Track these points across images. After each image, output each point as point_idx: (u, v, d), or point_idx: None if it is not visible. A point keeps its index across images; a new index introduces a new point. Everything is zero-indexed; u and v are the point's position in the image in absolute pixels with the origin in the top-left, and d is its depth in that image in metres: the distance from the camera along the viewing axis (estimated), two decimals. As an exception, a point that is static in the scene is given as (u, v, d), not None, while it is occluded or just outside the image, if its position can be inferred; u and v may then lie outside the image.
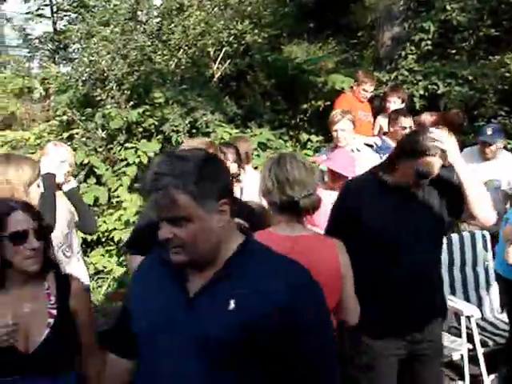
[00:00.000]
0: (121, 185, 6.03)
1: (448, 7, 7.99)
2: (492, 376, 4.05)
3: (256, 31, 8.78)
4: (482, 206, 2.85)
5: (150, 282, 1.78)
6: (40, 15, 11.78)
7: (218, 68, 8.41)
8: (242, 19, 8.45)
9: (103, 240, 5.84)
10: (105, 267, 5.63)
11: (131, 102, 6.96)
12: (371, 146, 6.10)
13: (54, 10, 11.85)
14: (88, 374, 2.36)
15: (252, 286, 1.63)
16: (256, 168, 4.84)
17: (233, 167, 3.93)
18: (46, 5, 11.79)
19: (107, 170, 6.37)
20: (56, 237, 3.78)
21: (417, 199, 2.86)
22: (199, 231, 1.62)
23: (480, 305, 4.53)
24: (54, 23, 11.89)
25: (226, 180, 1.69)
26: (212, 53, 8.44)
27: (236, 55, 8.75)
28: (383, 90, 6.76)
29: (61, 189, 3.97)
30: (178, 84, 7.52)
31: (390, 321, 2.82)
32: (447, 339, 4.01)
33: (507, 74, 7.32)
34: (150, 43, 7.88)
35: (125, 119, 6.63)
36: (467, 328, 4.09)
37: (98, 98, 7.09)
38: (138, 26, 7.86)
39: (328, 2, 9.92)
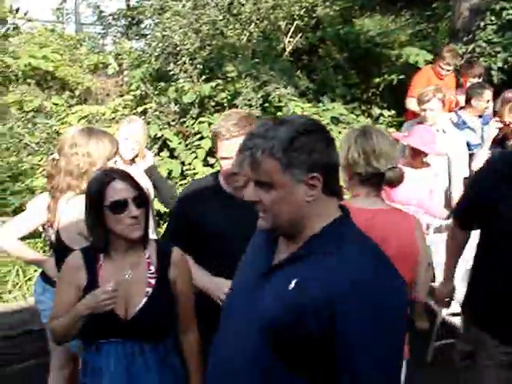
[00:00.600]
0: (196, 157, 6.08)
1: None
2: None
3: (327, 4, 8.67)
4: None
5: (256, 244, 1.80)
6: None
7: (289, 42, 8.35)
8: (313, -8, 8.34)
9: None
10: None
11: (203, 76, 6.99)
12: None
13: (127, -14, 12.04)
14: (185, 342, 2.43)
15: (317, 271, 1.57)
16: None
17: None
18: (120, -18, 12.00)
19: (180, 143, 6.44)
20: None
21: None
22: (282, 200, 1.59)
23: None
24: (127, 0, 12.07)
25: (322, 154, 1.59)
26: (283, 26, 8.38)
27: (307, 29, 8.66)
28: (459, 64, 6.53)
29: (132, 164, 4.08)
30: (250, 58, 7.49)
31: None
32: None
33: None
34: (221, 17, 7.87)
35: (197, 93, 6.66)
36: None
37: (171, 73, 7.14)
38: (210, 1, 7.84)
39: (401, -27, 9.69)
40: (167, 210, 5.58)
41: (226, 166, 2.51)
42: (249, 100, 6.52)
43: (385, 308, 1.50)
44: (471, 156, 5.09)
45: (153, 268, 2.31)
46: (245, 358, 1.63)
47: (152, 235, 4.15)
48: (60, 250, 2.80)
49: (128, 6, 11.95)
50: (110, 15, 11.77)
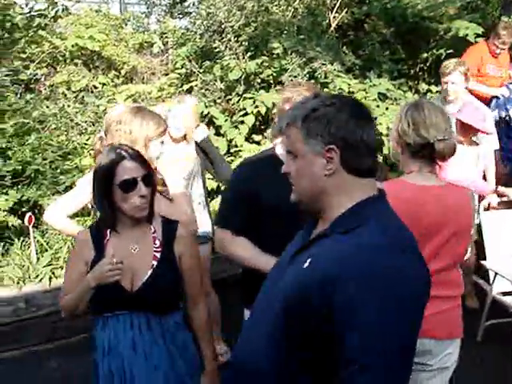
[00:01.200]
0: (239, 133, 6.08)
1: None
2: None
3: (373, -22, 8.50)
4: None
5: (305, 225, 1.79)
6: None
7: (334, 17, 8.23)
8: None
9: (222, 189, 5.95)
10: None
11: (249, 53, 6.97)
12: (497, 98, 5.86)
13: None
14: (194, 317, 2.53)
15: (329, 250, 1.54)
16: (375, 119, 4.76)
17: None
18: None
19: (226, 120, 6.45)
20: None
21: None
22: (302, 171, 1.62)
23: None
24: (171, -22, 12.04)
25: (342, 127, 1.57)
26: (328, 1, 8.26)
27: (353, 3, 8.52)
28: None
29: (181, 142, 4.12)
30: (295, 34, 7.42)
31: None
32: None
33: None
34: (266, -7, 7.81)
35: (243, 70, 6.64)
36: None
37: (216, 50, 7.14)
38: (254, -23, 7.78)
39: None
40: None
41: None
42: (295, 77, 6.47)
43: (390, 296, 1.42)
44: None
45: (158, 242, 2.39)
46: (261, 338, 1.63)
47: (204, 210, 4.20)
48: None
49: (172, -16, 11.94)
50: (154, -6, 11.78)
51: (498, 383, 3.93)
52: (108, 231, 2.40)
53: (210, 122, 6.51)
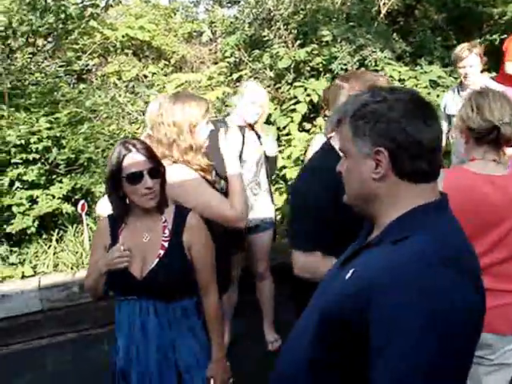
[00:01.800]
0: (291, 121, 6.06)
1: None
2: None
3: (424, -38, 8.36)
4: None
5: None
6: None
7: (384, 4, 8.10)
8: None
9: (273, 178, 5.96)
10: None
11: (298, 41, 6.93)
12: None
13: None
14: (205, 306, 2.58)
15: (372, 261, 1.44)
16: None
17: None
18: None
19: (275, 109, 6.44)
20: (244, 176, 3.98)
21: None
22: (351, 171, 1.53)
23: None
24: (219, -33, 12.08)
25: (392, 126, 1.42)
26: (378, -12, 8.15)
27: (403, -11, 8.40)
28: None
29: (253, 129, 4.14)
30: (345, 21, 7.34)
31: None
32: None
33: None
34: (315, -19, 7.76)
35: (292, 58, 6.61)
36: None
37: (265, 39, 7.12)
38: (303, -36, 7.73)
39: None
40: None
41: None
42: (345, 64, 6.41)
43: (422, 314, 1.27)
44: None
45: (167, 232, 2.46)
46: (299, 348, 1.58)
47: (269, 197, 4.25)
48: None
49: (220, -27, 11.98)
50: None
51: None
52: (124, 220, 2.52)
53: (260, 110, 6.50)
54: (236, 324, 4.29)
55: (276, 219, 4.50)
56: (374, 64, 6.58)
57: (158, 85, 7.44)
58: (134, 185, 2.36)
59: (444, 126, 4.76)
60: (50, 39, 5.89)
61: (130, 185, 2.37)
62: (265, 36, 7.12)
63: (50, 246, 5.22)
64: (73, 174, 5.53)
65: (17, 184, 5.22)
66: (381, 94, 1.46)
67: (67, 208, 5.26)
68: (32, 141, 5.21)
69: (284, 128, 6.14)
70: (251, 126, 4.15)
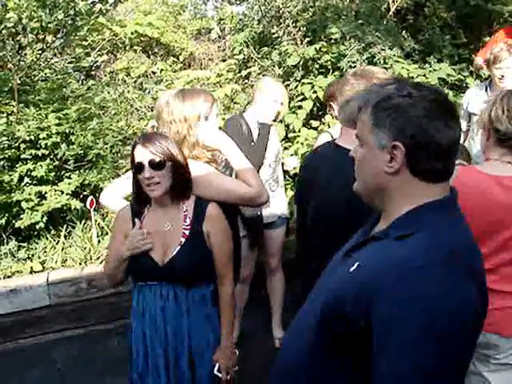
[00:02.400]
0: (297, 118, 6.06)
1: None
2: None
3: (434, -40, 8.31)
4: None
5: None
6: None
7: (393, 1, 8.08)
8: None
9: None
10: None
11: (307, 39, 6.92)
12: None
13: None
14: (220, 293, 2.68)
15: (375, 256, 1.44)
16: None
17: None
18: None
19: (289, 104, 6.43)
20: (263, 173, 4.01)
21: None
22: (365, 160, 1.52)
23: None
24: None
25: (413, 123, 1.41)
26: (387, -14, 8.12)
27: (413, -13, 8.36)
28: None
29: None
30: (354, 19, 7.32)
31: None
32: None
33: None
34: (324, -22, 7.74)
35: (301, 56, 6.59)
36: None
37: (274, 36, 7.11)
38: (312, -39, 7.71)
39: None
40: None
41: None
42: (353, 62, 6.38)
43: (424, 315, 1.27)
44: None
45: (188, 221, 2.58)
46: (298, 343, 1.60)
47: (283, 193, 4.28)
48: None
49: (229, -30, 11.96)
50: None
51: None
52: (146, 208, 2.63)
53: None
54: (243, 320, 4.30)
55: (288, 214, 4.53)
56: (382, 62, 6.55)
57: (166, 81, 7.44)
58: (138, 174, 2.51)
59: (463, 124, 4.64)
60: (59, 36, 5.90)
61: (136, 174, 2.53)
62: (274, 33, 7.11)
63: (58, 241, 5.24)
64: (81, 170, 5.55)
65: (26, 180, 5.24)
66: (406, 89, 1.46)
67: (76, 204, 5.28)
68: (41, 136, 5.23)
69: (291, 125, 6.13)
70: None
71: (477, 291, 1.35)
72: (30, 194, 5.14)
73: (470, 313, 1.32)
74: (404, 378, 1.27)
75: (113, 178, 5.53)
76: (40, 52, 6.16)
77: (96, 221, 5.32)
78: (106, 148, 5.63)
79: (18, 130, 5.19)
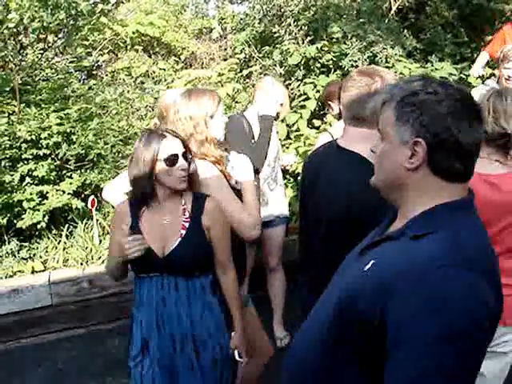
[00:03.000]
0: (300, 117, 6.05)
1: None
2: None
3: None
4: None
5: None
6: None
7: (395, 0, 8.08)
8: None
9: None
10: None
11: (308, 38, 6.91)
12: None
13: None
14: (223, 283, 2.76)
15: (391, 255, 1.44)
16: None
17: None
18: None
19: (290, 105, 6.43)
20: (263, 171, 4.00)
21: None
22: (384, 154, 1.52)
23: None
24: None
25: (437, 121, 1.41)
26: (389, -16, 8.12)
27: (414, -14, 8.36)
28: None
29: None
30: (355, 18, 7.32)
31: None
32: None
33: None
34: (325, -23, 7.73)
35: (302, 55, 6.59)
36: None
37: (276, 35, 7.11)
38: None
39: None
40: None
41: None
42: (355, 61, 6.39)
43: (438, 313, 1.28)
44: None
45: (187, 214, 2.63)
46: (310, 342, 1.60)
47: (283, 192, 4.29)
48: None
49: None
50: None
51: None
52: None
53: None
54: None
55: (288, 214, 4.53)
56: (384, 61, 6.55)
57: (166, 80, 7.44)
58: (171, 166, 2.51)
59: None
60: (60, 35, 5.91)
61: (167, 166, 2.51)
62: (275, 32, 7.11)
63: (59, 241, 5.24)
64: (82, 170, 5.54)
65: (27, 179, 5.24)
66: (432, 86, 1.45)
67: (77, 203, 5.27)
68: (42, 136, 5.22)
69: (293, 125, 6.13)
70: None
71: (492, 292, 1.35)
72: (31, 194, 5.14)
73: (487, 313, 1.32)
74: (422, 378, 1.27)
75: (113, 178, 5.53)
76: (41, 52, 6.16)
77: (97, 220, 5.32)
78: (107, 148, 5.62)
79: (19, 130, 5.19)
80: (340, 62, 6.51)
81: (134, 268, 2.67)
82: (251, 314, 3.06)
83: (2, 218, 5.11)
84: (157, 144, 2.50)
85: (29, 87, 6.16)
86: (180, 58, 8.49)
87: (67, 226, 5.39)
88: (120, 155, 5.88)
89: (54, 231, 5.35)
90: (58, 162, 5.43)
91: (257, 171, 3.98)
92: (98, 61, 8.10)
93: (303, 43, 6.84)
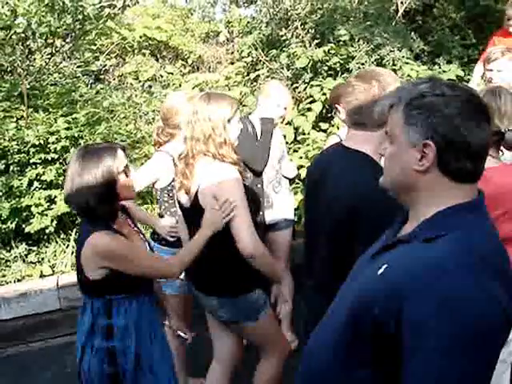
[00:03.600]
0: (306, 120, 6.05)
1: None
2: None
3: (443, -40, 8.29)
4: None
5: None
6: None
7: (402, 2, 8.05)
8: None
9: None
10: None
11: (315, 41, 6.91)
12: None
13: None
14: None
15: (403, 258, 1.44)
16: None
17: None
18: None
19: (292, 108, 6.42)
20: (267, 173, 4.00)
21: None
22: (394, 157, 1.52)
23: None
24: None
25: (446, 122, 1.41)
26: (396, -14, 8.10)
27: (421, -12, 8.33)
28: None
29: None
30: (362, 21, 7.31)
31: None
32: None
33: None
34: (332, -20, 7.73)
35: (309, 58, 6.58)
36: None
37: (283, 38, 7.11)
38: (320, -37, 7.70)
39: None
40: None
41: None
42: (362, 64, 6.38)
43: (455, 317, 1.28)
44: None
45: (130, 222, 2.74)
46: (324, 346, 1.60)
47: (290, 195, 4.33)
48: (194, 213, 2.91)
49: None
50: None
51: None
52: (105, 224, 2.54)
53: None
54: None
55: (295, 217, 4.52)
56: (391, 63, 6.54)
57: (173, 84, 7.46)
58: (128, 177, 2.53)
59: None
60: (68, 40, 5.92)
61: (126, 177, 2.51)
62: (282, 35, 7.12)
63: (68, 245, 5.25)
64: (91, 174, 5.55)
65: (35, 184, 5.25)
66: (440, 88, 1.46)
67: (85, 208, 5.27)
68: (50, 141, 5.24)
69: (300, 128, 6.12)
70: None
71: (505, 293, 1.35)
72: (39, 199, 5.15)
73: (499, 314, 1.32)
74: (439, 376, 1.29)
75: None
76: (49, 56, 6.19)
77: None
78: (115, 152, 5.62)
79: (27, 135, 5.20)
80: (347, 65, 6.50)
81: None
82: (270, 314, 3.04)
83: (11, 223, 5.12)
84: (113, 157, 2.47)
85: (37, 92, 6.19)
86: (187, 62, 8.51)
87: (75, 230, 5.40)
88: (128, 159, 5.88)
89: (62, 235, 5.36)
90: (66, 167, 5.43)
91: (260, 173, 3.98)
92: (105, 65, 8.13)
93: (310, 46, 6.83)
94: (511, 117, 2.51)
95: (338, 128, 5.58)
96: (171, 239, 3.48)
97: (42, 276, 4.94)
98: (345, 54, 6.60)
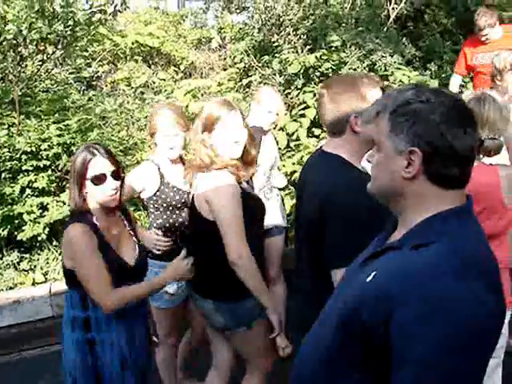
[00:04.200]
0: (300, 126, 6.06)
1: None
2: None
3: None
4: None
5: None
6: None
7: (393, 8, 8.10)
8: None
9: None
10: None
11: (307, 47, 6.93)
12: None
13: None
14: None
15: (391, 265, 1.44)
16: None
17: None
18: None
19: (285, 114, 6.43)
20: (258, 180, 3.98)
21: None
22: (381, 165, 1.52)
23: None
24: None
25: (431, 129, 1.41)
26: (387, -7, 8.15)
27: (412, -6, 8.37)
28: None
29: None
30: (354, 26, 7.34)
31: None
32: None
33: None
34: (324, -14, 7.76)
35: (302, 64, 6.60)
36: None
37: (275, 44, 7.13)
38: (312, -31, 7.73)
39: None
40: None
41: None
42: (354, 69, 6.41)
43: (439, 314, 1.29)
44: None
45: (127, 224, 2.78)
46: (315, 352, 1.60)
47: (280, 202, 4.30)
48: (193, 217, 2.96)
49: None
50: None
51: None
52: (94, 218, 2.59)
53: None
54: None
55: (287, 223, 4.50)
56: (383, 69, 6.58)
57: (165, 91, 7.45)
58: (98, 185, 2.52)
59: None
60: (59, 46, 5.89)
61: (95, 185, 2.52)
62: (274, 41, 7.15)
63: (60, 252, 5.21)
64: (83, 181, 5.53)
65: (27, 191, 5.23)
66: (425, 95, 1.46)
67: (77, 215, 5.26)
68: (42, 148, 5.22)
69: (293, 134, 6.13)
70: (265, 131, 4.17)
71: (494, 298, 1.35)
72: (31, 206, 5.13)
73: (486, 314, 1.32)
74: (427, 376, 1.30)
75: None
76: (40, 63, 6.16)
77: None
78: (108, 158, 5.61)
79: (19, 142, 5.18)
80: (339, 71, 6.52)
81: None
82: (263, 326, 3.00)
83: (3, 230, 5.10)
84: (86, 162, 2.52)
85: (28, 99, 6.17)
86: (179, 68, 8.51)
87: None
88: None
89: (54, 243, 5.33)
90: (59, 174, 5.42)
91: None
92: (97, 71, 8.11)
93: (302, 52, 6.85)
94: (492, 126, 2.56)
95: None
96: (157, 252, 3.34)
97: (34, 283, 4.92)
98: (337, 59, 6.62)
